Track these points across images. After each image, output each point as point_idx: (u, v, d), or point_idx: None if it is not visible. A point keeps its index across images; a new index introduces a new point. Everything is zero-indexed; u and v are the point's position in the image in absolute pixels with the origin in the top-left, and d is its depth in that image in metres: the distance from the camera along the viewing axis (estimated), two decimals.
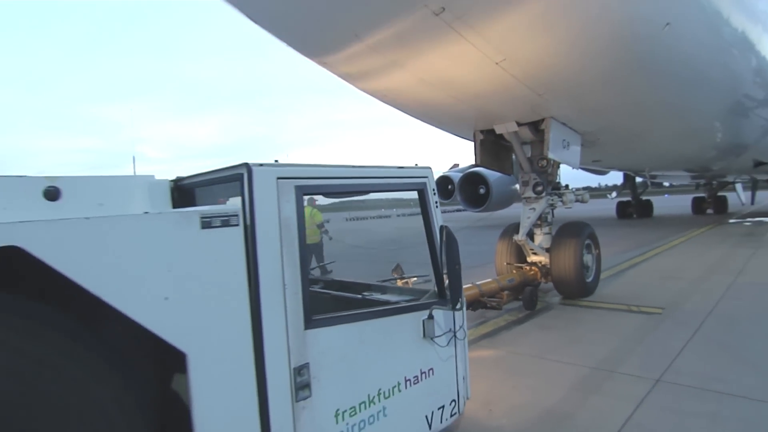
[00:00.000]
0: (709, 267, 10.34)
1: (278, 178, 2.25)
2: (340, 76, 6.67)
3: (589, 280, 8.06)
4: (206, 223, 1.99)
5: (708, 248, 13.39)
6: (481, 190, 22.73)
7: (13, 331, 1.58)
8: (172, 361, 2.02)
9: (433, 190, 3.19)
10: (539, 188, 7.89)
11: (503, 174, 9.05)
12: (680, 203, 35.42)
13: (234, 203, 2.37)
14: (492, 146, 8.06)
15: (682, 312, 6.81)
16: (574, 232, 7.93)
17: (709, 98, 9.17)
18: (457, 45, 5.27)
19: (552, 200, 8.10)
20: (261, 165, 2.20)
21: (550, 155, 7.27)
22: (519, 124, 7.32)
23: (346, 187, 2.65)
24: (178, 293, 1.91)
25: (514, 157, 8.29)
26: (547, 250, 8.05)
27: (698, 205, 30.02)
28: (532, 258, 8.13)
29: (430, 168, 3.21)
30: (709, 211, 29.42)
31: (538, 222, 8.17)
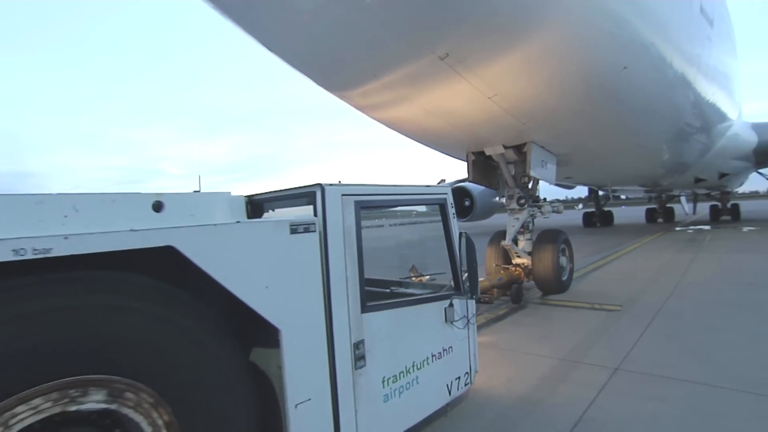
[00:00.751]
0: (658, 269, 10.54)
1: (342, 195, 2.54)
2: (355, 106, 6.99)
3: (565, 278, 8.38)
4: (293, 230, 2.27)
5: (658, 253, 13.65)
6: (466, 203, 23.11)
7: (166, 307, 1.85)
8: (256, 337, 2.28)
9: (451, 204, 3.50)
10: (522, 201, 8.23)
11: (488, 188, 9.37)
12: (636, 214, 36.08)
13: (303, 214, 2.65)
14: (482, 165, 8.40)
15: (637, 308, 6.92)
16: (552, 238, 8.27)
17: (658, 126, 9.62)
18: (458, 83, 5.61)
19: (533, 211, 8.43)
20: (330, 185, 2.49)
21: (532, 173, 7.62)
22: (505, 147, 7.66)
23: (389, 202, 2.96)
24: (274, 283, 2.18)
25: (500, 174, 8.63)
26: (529, 253, 8.36)
27: (651, 215, 30.74)
28: (516, 260, 8.43)
29: (449, 186, 3.52)
30: (660, 220, 30.14)
31: (521, 229, 8.48)
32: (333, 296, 2.43)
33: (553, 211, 8.93)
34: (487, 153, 7.90)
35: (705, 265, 10.77)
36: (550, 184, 8.61)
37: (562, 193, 27.15)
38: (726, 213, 27.71)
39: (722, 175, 20.28)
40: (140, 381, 1.76)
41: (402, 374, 2.92)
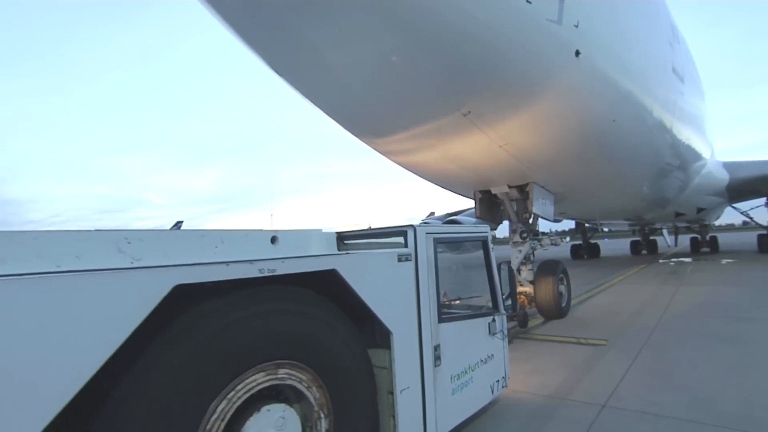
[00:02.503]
0: (642, 302, 10.81)
1: (426, 233, 3.49)
2: (380, 152, 8.07)
3: (564, 305, 9.38)
4: (399, 259, 3.20)
5: (641, 286, 14.12)
6: None
7: (326, 313, 2.73)
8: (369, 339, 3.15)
9: (491, 240, 4.48)
10: (524, 235, 9.30)
11: (482, 221, 10.40)
12: (620, 246, 37.87)
13: (391, 248, 3.58)
14: (487, 202, 9.50)
15: (622, 343, 7.06)
16: (551, 269, 9.30)
17: (642, 167, 10.99)
18: (475, 135, 6.74)
19: (534, 244, 9.49)
20: (419, 226, 3.44)
21: (534, 210, 8.73)
22: (509, 187, 8.80)
23: (452, 239, 3.92)
24: (388, 297, 3.08)
25: (503, 210, 9.72)
26: (531, 282, 9.36)
27: (635, 247, 32.51)
28: (520, 288, 9.40)
29: (488, 226, 4.51)
30: (644, 251, 31.87)
31: (524, 260, 9.51)
32: (422, 309, 3.33)
33: (552, 244, 10.02)
34: (493, 192, 9.03)
35: (687, 297, 11.14)
36: (549, 219, 9.74)
37: (547, 226, 28.69)
38: (705, 245, 29.60)
39: (700, 210, 22.04)
40: (307, 364, 2.60)
41: (463, 374, 3.79)
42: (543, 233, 10.60)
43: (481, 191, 9.32)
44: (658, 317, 8.92)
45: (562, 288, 9.45)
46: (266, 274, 2.38)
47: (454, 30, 5.13)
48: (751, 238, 27.88)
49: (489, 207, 9.61)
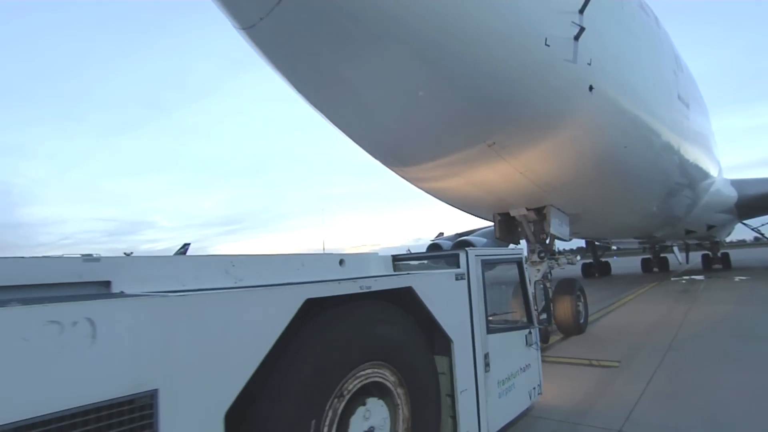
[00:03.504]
0: (655, 322, 10.75)
1: (475, 255, 4.14)
2: (407, 179, 8.78)
3: (582, 321, 9.93)
4: (457, 277, 3.84)
5: (653, 305, 14.12)
6: None
7: (405, 323, 3.36)
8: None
9: (525, 260, 5.11)
10: (542, 254, 9.90)
11: (513, 244, 11.02)
12: (630, 264, 38.25)
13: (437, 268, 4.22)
14: (506, 224, 10.15)
15: (636, 364, 6.98)
16: (569, 287, 9.89)
17: (652, 189, 11.66)
18: (498, 163, 7.44)
19: (551, 263, 10.09)
20: (470, 249, 4.09)
21: (551, 231, 9.36)
22: (527, 209, 9.46)
23: (496, 260, 4.56)
24: (449, 310, 3.70)
25: (521, 231, 10.35)
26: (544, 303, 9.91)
27: (646, 265, 32.96)
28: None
29: (522, 248, 5.16)
30: (655, 269, 32.30)
31: (542, 279, 10.08)
32: (474, 321, 3.95)
33: (568, 263, 10.61)
34: (512, 214, 9.68)
35: (701, 316, 11.07)
36: (565, 240, 10.34)
37: (557, 245, 29.26)
38: (717, 262, 29.98)
39: (710, 227, 22.60)
40: (394, 366, 3.21)
41: (507, 380, 4.37)
42: (559, 252, 11.22)
43: (500, 213, 9.97)
44: (671, 337, 8.87)
45: (580, 305, 10.00)
46: (365, 290, 3.03)
47: (482, 71, 5.90)
48: (764, 254, 28.23)
49: (507, 228, 10.25)
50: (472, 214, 11.14)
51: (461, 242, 25.21)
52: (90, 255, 2.81)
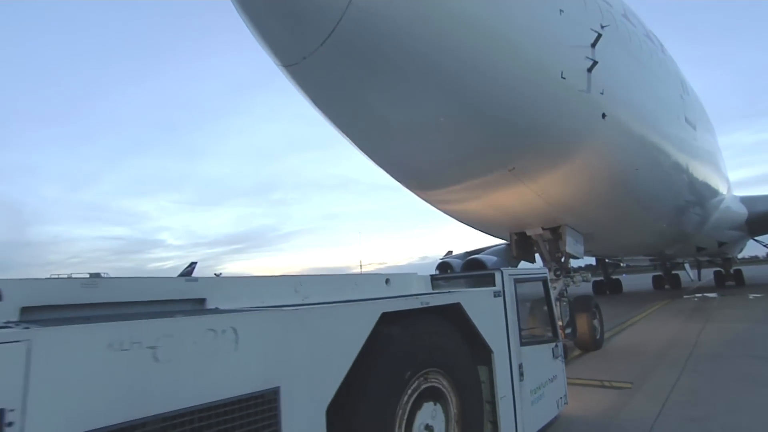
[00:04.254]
0: (668, 341, 10.73)
1: (509, 275, 4.68)
2: (429, 202, 9.36)
3: (598, 337, 10.36)
4: (494, 294, 4.37)
5: (665, 323, 14.21)
6: None
7: (455, 334, 3.89)
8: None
9: (550, 279, 5.64)
10: (558, 273, 10.39)
11: (528, 262, 11.53)
12: (641, 281, 38.47)
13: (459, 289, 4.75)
14: (522, 243, 10.68)
15: (649, 386, 6.91)
16: (585, 304, 10.36)
17: (663, 207, 12.20)
18: (517, 187, 8.01)
19: (566, 281, 10.57)
20: (504, 269, 4.63)
21: (567, 249, 9.88)
22: (543, 229, 10.00)
23: (525, 278, 5.09)
24: (488, 324, 4.22)
25: (536, 250, 10.87)
26: (565, 319, 10.37)
27: (658, 282, 33.28)
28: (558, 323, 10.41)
29: (546, 268, 5.69)
30: (667, 286, 32.57)
31: (558, 296, 10.56)
32: (509, 334, 4.46)
33: (583, 281, 11.09)
34: (528, 233, 10.22)
35: (716, 336, 11.04)
36: (580, 258, 10.85)
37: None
38: (730, 278, 30.23)
39: (721, 244, 22.99)
40: (448, 373, 3.71)
41: (538, 389, 4.85)
42: (574, 270, 11.70)
43: (516, 233, 10.51)
44: (685, 357, 8.77)
45: (596, 322, 10.45)
46: (424, 305, 3.57)
47: (505, 103, 6.54)
48: None
49: (524, 247, 10.77)
50: (488, 234, 11.68)
51: (472, 261, 25.65)
52: (192, 277, 3.37)
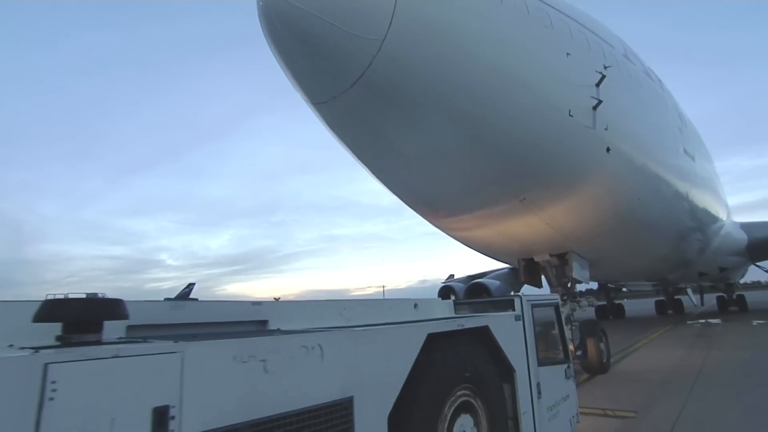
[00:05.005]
0: (672, 368, 10.74)
1: (527, 300, 5.23)
2: (441, 228, 9.97)
3: (605, 360, 10.83)
4: (515, 318, 4.91)
5: (669, 349, 14.24)
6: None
7: (486, 354, 4.41)
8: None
9: (561, 304, 6.19)
10: (564, 297, 10.93)
11: (504, 285, 12.16)
12: (644, 306, 38.89)
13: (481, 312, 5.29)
14: (530, 269, 11.25)
15: (653, 416, 6.88)
16: (592, 328, 10.86)
17: (665, 235, 12.84)
18: (527, 216, 8.64)
19: (573, 305, 11.09)
20: (523, 295, 5.18)
21: (573, 275, 10.44)
22: (550, 255, 10.58)
23: (539, 303, 5.63)
24: (511, 344, 4.75)
25: (544, 275, 11.43)
26: (570, 342, 10.86)
27: (661, 307, 33.79)
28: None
29: (558, 295, 6.24)
30: (670, 311, 33.05)
31: (565, 321, 11.06)
32: (528, 355, 4.98)
33: (589, 305, 11.61)
34: (536, 260, 10.80)
35: (720, 363, 11.08)
36: (586, 283, 11.41)
37: None
38: (733, 304, 30.77)
39: (723, 269, 23.62)
40: (478, 389, 4.22)
41: (554, 406, 5.34)
42: (580, 294, 12.24)
43: (524, 259, 11.09)
44: (690, 385, 8.72)
45: (602, 346, 10.92)
46: (460, 327, 4.11)
47: (518, 139, 7.21)
48: None
49: (531, 272, 11.34)
50: (496, 259, 12.26)
51: (475, 285, 26.10)
52: (257, 301, 3.91)
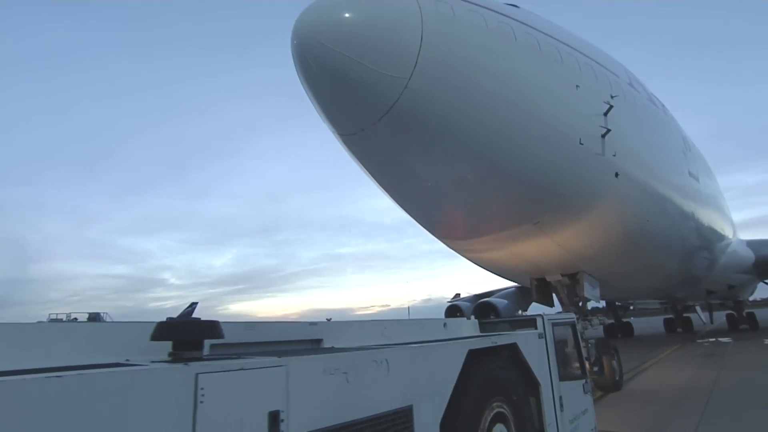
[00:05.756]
0: (681, 390, 10.65)
1: (549, 319, 5.76)
2: (457, 250, 10.53)
3: (618, 378, 11.27)
4: (539, 336, 5.44)
5: (678, 371, 14.25)
6: (492, 317, 26.16)
7: (516, 369, 4.94)
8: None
9: (577, 322, 6.71)
10: (576, 316, 11.42)
11: (512, 304, 12.69)
12: (652, 324, 39.16)
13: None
14: (542, 288, 11.77)
15: None
16: (604, 346, 11.32)
17: (672, 254, 13.41)
18: (541, 238, 9.21)
19: (585, 324, 11.58)
20: (545, 315, 5.72)
21: (585, 294, 10.97)
22: (562, 275, 11.12)
23: (558, 323, 6.16)
24: (536, 360, 5.26)
25: (555, 294, 11.95)
26: (586, 359, 11.31)
27: (669, 325, 34.13)
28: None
29: (574, 315, 6.77)
30: (679, 330, 33.36)
31: None
32: (551, 370, 5.49)
33: (600, 323, 12.11)
34: (548, 279, 11.34)
35: (732, 384, 11.03)
36: (596, 302, 11.93)
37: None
38: (743, 322, 31.05)
39: (731, 287, 24.10)
40: (508, 401, 4.72)
41: (575, 419, 5.83)
42: (591, 313, 12.73)
43: (536, 279, 11.63)
44: (701, 407, 8.62)
45: (615, 363, 11.38)
46: (494, 344, 4.64)
47: (532, 166, 7.83)
48: None
49: (543, 292, 11.86)
50: (508, 279, 12.80)
51: (483, 304, 26.53)
52: (313, 321, 4.45)
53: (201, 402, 2.32)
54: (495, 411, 4.44)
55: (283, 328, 4.19)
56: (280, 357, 2.85)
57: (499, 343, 4.70)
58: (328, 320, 4.79)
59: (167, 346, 3.01)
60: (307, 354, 3.08)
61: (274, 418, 2.59)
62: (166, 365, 2.48)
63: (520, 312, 27.59)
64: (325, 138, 8.17)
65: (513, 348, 4.95)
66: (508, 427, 4.61)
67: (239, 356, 3.18)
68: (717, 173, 19.48)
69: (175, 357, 2.99)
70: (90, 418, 1.93)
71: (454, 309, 30.04)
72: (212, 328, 3.16)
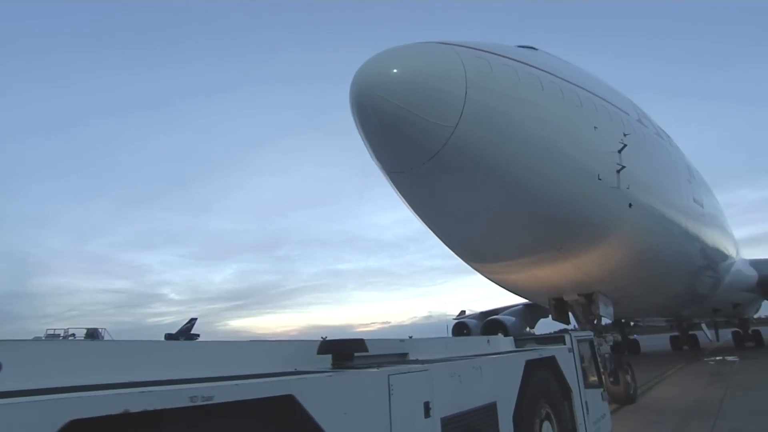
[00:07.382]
0: (687, 410, 10.75)
1: (574, 335, 7.12)
2: (481, 272, 11.91)
3: (632, 392, 12.60)
4: (567, 350, 6.80)
5: (684, 389, 14.44)
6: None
7: (551, 375, 6.29)
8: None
9: (594, 339, 8.07)
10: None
11: (519, 321, 14.01)
12: (658, 342, 40.49)
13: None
14: (559, 307, 13.15)
15: None
16: (618, 362, 12.68)
17: (680, 275, 14.88)
18: (563, 263, 10.60)
19: (599, 340, 12.92)
20: (572, 331, 7.06)
21: (600, 313, 12.34)
22: (578, 295, 12.50)
23: (582, 339, 7.49)
24: (568, 369, 6.60)
25: (571, 312, 13.32)
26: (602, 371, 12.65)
27: (675, 343, 35.57)
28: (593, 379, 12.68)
29: (592, 332, 8.13)
30: (685, 347, 34.77)
31: None
32: (579, 379, 6.83)
33: (614, 341, 13.47)
34: (565, 299, 12.72)
35: (740, 404, 11.06)
36: (610, 320, 13.31)
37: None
38: (749, 339, 32.50)
39: (736, 305, 25.59)
40: (551, 403, 6.04)
41: (597, 421, 7.15)
42: (604, 330, 14.07)
43: (554, 298, 13.01)
44: (709, 429, 8.74)
45: (628, 377, 12.72)
46: (540, 356, 5.98)
47: (556, 198, 9.24)
48: None
49: (560, 311, 13.24)
50: (526, 298, 14.20)
51: (492, 321, 27.92)
52: (401, 339, 5.77)
53: (391, 394, 3.63)
54: (544, 411, 5.78)
55: (383, 345, 5.50)
56: (422, 363, 4.19)
57: (544, 356, 6.05)
58: (410, 338, 6.09)
59: (320, 359, 4.29)
60: (409, 364, 4.42)
61: (427, 406, 3.91)
62: (372, 370, 3.78)
63: (528, 329, 29.03)
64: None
65: (552, 360, 6.30)
66: (551, 425, 5.95)
67: (387, 364, 4.49)
68: (719, 190, 21.14)
69: (338, 365, 4.17)
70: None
71: (461, 326, 31.37)
72: (359, 344, 4.40)
